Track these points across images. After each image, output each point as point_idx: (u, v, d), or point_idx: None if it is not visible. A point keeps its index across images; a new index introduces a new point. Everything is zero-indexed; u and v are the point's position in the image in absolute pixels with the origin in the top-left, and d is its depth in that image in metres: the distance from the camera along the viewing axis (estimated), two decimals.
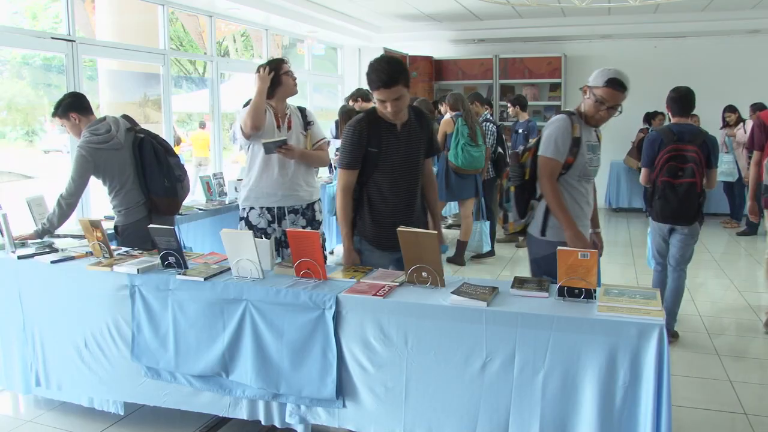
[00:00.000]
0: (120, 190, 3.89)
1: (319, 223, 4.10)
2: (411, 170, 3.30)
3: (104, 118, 3.91)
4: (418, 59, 11.09)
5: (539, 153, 3.17)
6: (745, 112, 8.94)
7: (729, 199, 9.16)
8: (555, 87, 10.80)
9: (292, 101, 4.08)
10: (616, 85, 3.09)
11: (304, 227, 3.95)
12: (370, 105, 6.60)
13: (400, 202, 3.28)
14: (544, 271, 3.08)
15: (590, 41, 10.76)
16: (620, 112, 3.16)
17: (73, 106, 3.89)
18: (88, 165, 3.78)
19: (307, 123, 4.06)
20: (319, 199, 4.14)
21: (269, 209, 3.94)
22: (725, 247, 7.87)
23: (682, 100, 4.36)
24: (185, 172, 4.13)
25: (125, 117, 4.02)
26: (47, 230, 3.76)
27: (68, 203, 3.77)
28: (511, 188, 3.31)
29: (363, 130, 3.20)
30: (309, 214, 4.02)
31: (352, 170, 3.25)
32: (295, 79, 3.93)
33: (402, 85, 3.08)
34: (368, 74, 3.10)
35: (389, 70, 3.04)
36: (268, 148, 3.80)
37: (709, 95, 9.63)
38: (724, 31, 9.80)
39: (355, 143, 3.21)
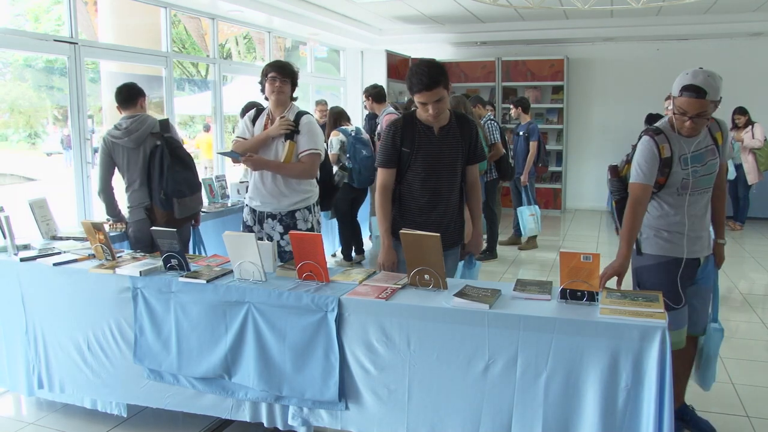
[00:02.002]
0: (128, 188, 4.10)
1: (305, 230, 3.93)
2: (444, 173, 3.32)
3: (137, 116, 4.09)
4: None
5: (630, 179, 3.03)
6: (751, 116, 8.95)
7: (733, 200, 9.16)
8: (557, 89, 10.80)
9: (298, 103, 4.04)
10: (693, 92, 2.73)
11: (281, 234, 3.89)
12: (383, 107, 6.61)
13: (427, 203, 3.32)
14: (637, 281, 3.07)
15: (593, 44, 10.76)
16: (708, 119, 2.85)
17: (115, 97, 4.15)
18: (105, 155, 4.07)
19: (294, 132, 3.85)
20: (307, 207, 3.96)
21: (253, 210, 3.98)
22: (727, 248, 7.86)
23: None
24: (193, 191, 4.16)
25: (163, 121, 4.14)
26: (115, 217, 4.26)
27: (101, 192, 4.15)
28: (613, 202, 3.22)
29: (397, 131, 3.28)
30: (287, 221, 3.91)
31: (387, 169, 3.32)
32: (276, 86, 3.78)
33: (442, 87, 3.12)
34: (409, 78, 3.14)
35: (430, 72, 3.08)
36: (232, 157, 3.88)
37: None
38: (726, 33, 9.79)
39: (389, 143, 3.29)
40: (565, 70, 10.64)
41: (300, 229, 3.91)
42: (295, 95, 3.97)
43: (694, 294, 3.08)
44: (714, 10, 9.08)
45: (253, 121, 3.95)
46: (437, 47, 11.14)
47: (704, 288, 3.13)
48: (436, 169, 3.30)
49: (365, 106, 7.16)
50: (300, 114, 3.90)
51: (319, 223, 4.11)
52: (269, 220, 3.93)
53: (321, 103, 9.05)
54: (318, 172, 4.04)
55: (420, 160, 3.27)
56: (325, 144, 4.16)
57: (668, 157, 2.90)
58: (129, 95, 4.12)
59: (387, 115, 6.57)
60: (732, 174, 8.73)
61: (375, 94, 7.00)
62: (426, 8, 9.15)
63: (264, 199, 3.91)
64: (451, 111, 3.37)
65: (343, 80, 11.09)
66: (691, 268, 3.03)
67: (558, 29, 10.18)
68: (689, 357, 3.19)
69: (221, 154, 3.87)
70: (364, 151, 6.60)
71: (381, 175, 3.36)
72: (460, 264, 3.62)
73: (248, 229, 3.98)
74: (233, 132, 6.21)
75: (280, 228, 3.91)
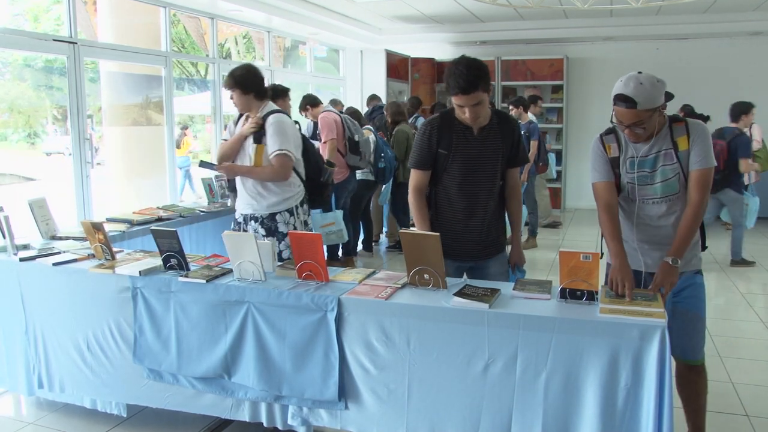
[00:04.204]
0: None
1: (284, 234, 3.87)
2: (483, 177, 3.11)
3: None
4: (420, 61, 11.10)
5: None
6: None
7: None
8: (557, 89, 10.81)
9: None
10: (623, 102, 2.59)
11: (264, 236, 3.83)
12: (320, 109, 6.41)
13: (465, 208, 3.13)
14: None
15: (592, 43, 10.76)
16: (645, 126, 2.64)
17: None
18: None
19: (261, 134, 3.81)
20: (288, 210, 3.90)
21: (241, 213, 3.98)
22: (725, 248, 7.85)
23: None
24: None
25: None
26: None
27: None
28: None
29: (433, 130, 3.09)
30: (268, 224, 3.87)
31: (421, 171, 3.14)
32: (231, 97, 3.84)
33: (481, 91, 2.92)
34: (446, 78, 2.97)
35: (468, 75, 2.89)
36: (210, 168, 4.01)
37: (710, 97, 9.65)
38: (726, 33, 9.80)
39: (424, 144, 3.10)
40: (564, 69, 10.65)
41: (281, 232, 3.87)
42: (263, 91, 3.87)
43: (674, 315, 2.80)
44: (713, 9, 9.08)
45: (236, 122, 3.95)
46: (437, 47, 11.14)
47: (683, 311, 2.84)
48: (475, 173, 3.09)
49: (305, 116, 6.75)
50: (268, 114, 3.82)
51: (305, 224, 4.04)
52: (252, 222, 3.89)
53: (337, 104, 8.90)
54: (296, 172, 3.96)
55: (458, 162, 3.07)
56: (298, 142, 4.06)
57: (615, 157, 2.81)
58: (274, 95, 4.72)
59: (321, 114, 6.34)
60: None
61: (310, 101, 6.60)
62: (426, 8, 9.14)
63: (245, 201, 3.90)
64: (492, 109, 3.15)
65: (343, 80, 11.08)
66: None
67: (557, 29, 10.19)
68: (692, 385, 2.99)
69: (201, 166, 3.90)
70: (388, 151, 6.81)
71: (415, 177, 3.15)
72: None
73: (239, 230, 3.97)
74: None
75: (262, 231, 3.86)
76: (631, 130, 2.66)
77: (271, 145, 3.78)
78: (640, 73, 2.62)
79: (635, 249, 2.87)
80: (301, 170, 4.06)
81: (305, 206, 4.06)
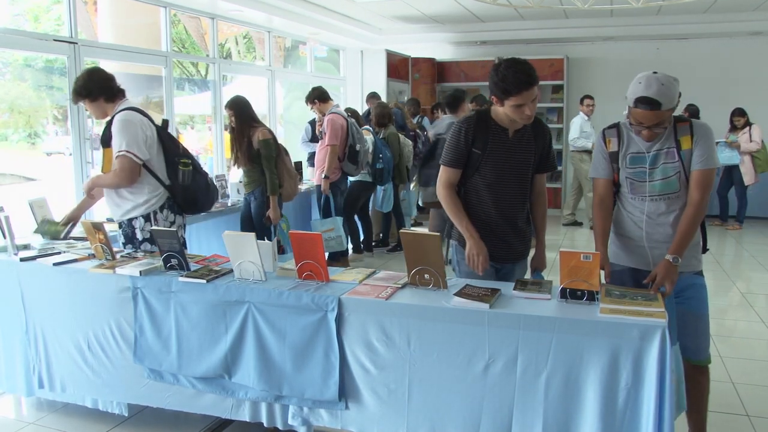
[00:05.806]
0: None
1: (141, 241, 3.65)
2: (515, 180, 3.07)
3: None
4: (420, 61, 11.10)
5: None
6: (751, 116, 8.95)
7: (720, 200, 9.26)
8: (557, 89, 10.82)
9: None
10: (647, 105, 2.57)
11: (124, 244, 3.71)
12: (328, 106, 6.42)
13: (496, 211, 3.07)
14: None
15: (593, 43, 10.76)
16: (663, 129, 2.69)
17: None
18: None
19: (110, 137, 3.52)
20: (145, 215, 3.62)
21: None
22: (725, 248, 7.87)
23: None
24: None
25: None
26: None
27: None
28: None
29: (469, 129, 3.02)
30: (126, 230, 3.67)
31: (452, 168, 3.07)
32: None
33: (536, 84, 2.88)
34: (501, 81, 2.85)
35: (527, 68, 2.85)
36: None
37: (711, 97, 9.65)
38: (726, 32, 9.80)
39: (460, 142, 3.03)
40: (564, 69, 10.66)
41: (137, 239, 3.67)
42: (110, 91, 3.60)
43: (677, 316, 2.83)
44: (714, 9, 9.08)
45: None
46: (437, 47, 11.14)
47: (685, 311, 2.87)
48: (507, 175, 3.05)
49: (312, 109, 6.69)
50: (115, 114, 3.54)
51: None
52: (120, 229, 3.74)
53: (374, 96, 8.61)
54: (152, 174, 3.62)
55: (490, 163, 3.02)
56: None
57: (614, 152, 2.83)
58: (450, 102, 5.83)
59: (330, 115, 6.30)
60: (737, 159, 8.76)
61: (319, 96, 6.53)
62: (426, 8, 9.14)
63: (108, 207, 3.77)
64: None
65: (343, 80, 11.08)
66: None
67: (558, 29, 10.19)
68: (696, 385, 2.99)
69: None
70: (387, 152, 6.83)
71: (446, 174, 3.09)
72: None
73: None
74: (227, 131, 6.20)
75: (122, 238, 3.71)
76: (652, 131, 2.66)
77: (114, 146, 3.47)
78: (655, 73, 2.62)
79: (627, 246, 2.89)
80: (161, 172, 3.68)
81: (166, 211, 3.69)
